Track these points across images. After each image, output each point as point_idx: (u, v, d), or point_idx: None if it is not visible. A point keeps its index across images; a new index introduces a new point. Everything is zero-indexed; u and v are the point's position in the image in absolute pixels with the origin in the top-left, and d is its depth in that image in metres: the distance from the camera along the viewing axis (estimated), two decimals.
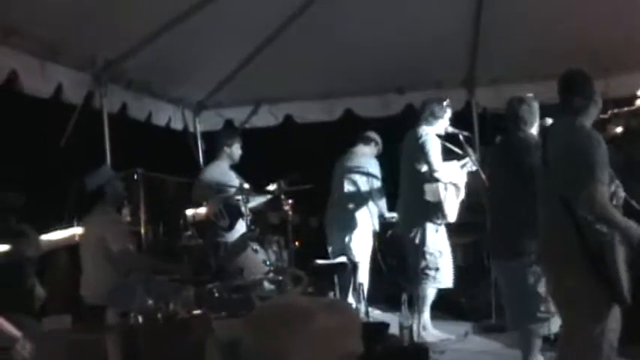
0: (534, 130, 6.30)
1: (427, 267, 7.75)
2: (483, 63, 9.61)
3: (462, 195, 7.97)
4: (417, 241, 7.82)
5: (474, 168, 7.81)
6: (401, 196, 8.19)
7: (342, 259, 8.91)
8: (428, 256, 7.76)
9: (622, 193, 5.20)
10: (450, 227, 8.14)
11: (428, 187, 7.67)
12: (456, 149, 7.97)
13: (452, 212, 7.83)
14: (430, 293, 7.85)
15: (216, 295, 6.12)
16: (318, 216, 10.24)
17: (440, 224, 7.85)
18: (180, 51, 8.11)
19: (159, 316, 4.63)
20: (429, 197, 7.67)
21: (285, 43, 8.77)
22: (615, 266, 4.79)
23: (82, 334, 4.63)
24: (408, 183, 7.92)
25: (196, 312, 4.90)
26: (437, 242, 7.83)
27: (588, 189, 4.77)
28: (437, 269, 7.78)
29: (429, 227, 7.80)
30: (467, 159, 7.94)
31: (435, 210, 7.72)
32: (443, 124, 7.89)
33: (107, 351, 4.40)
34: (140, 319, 4.62)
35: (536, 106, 6.35)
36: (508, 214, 6.21)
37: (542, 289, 5.92)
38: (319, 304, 4.41)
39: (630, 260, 4.94)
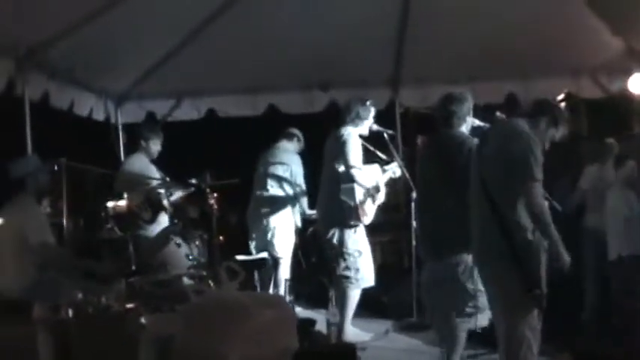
0: (465, 128, 6.31)
1: (347, 268, 7.66)
2: (408, 62, 9.69)
3: (381, 199, 7.95)
4: (335, 241, 7.72)
5: (397, 174, 7.87)
6: (320, 195, 8.14)
7: (264, 254, 8.88)
8: (347, 257, 7.66)
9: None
10: (368, 226, 8.15)
11: (344, 187, 7.64)
12: (379, 153, 8.01)
13: (368, 215, 7.75)
14: (355, 295, 7.72)
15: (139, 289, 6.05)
16: (238, 211, 10.18)
17: (356, 225, 7.81)
18: (104, 41, 7.94)
19: (90, 310, 4.55)
20: (343, 193, 7.62)
21: (211, 36, 8.70)
22: (538, 273, 4.95)
23: (9, 328, 4.52)
24: (328, 183, 7.84)
25: (129, 306, 4.83)
26: (356, 242, 7.72)
27: (527, 188, 4.88)
28: (357, 269, 7.67)
29: (347, 229, 7.73)
30: (392, 164, 7.98)
31: (349, 212, 7.64)
32: (367, 124, 7.87)
33: (38, 345, 4.31)
34: (71, 312, 4.53)
35: (467, 104, 6.33)
36: (435, 213, 6.24)
37: (470, 285, 5.96)
38: (256, 299, 4.40)
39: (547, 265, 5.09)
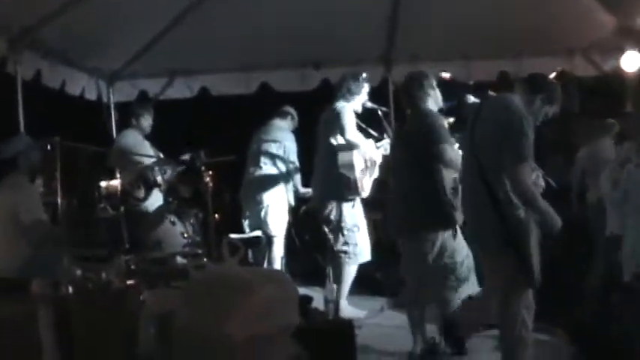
0: (432, 104, 6.39)
1: (345, 243, 7.71)
2: (402, 40, 9.66)
3: (376, 173, 7.97)
4: (332, 217, 7.76)
5: (386, 152, 7.88)
6: (315, 172, 8.14)
7: (258, 233, 8.88)
8: (346, 232, 7.72)
9: (542, 182, 5.33)
10: (362, 203, 8.18)
11: (341, 155, 7.62)
12: (371, 130, 8.01)
13: (365, 189, 7.80)
14: (352, 270, 7.80)
15: (134, 268, 6.05)
16: (231, 189, 10.18)
17: (353, 199, 7.82)
18: (96, 20, 7.91)
19: (90, 286, 4.55)
20: (341, 167, 7.60)
21: (203, 14, 8.67)
22: (528, 251, 4.96)
23: (9, 304, 4.52)
24: (323, 158, 7.85)
25: (130, 282, 4.83)
26: (354, 217, 7.79)
27: (514, 168, 4.88)
28: (355, 244, 7.75)
29: (345, 203, 7.78)
30: (384, 141, 7.98)
31: (348, 184, 7.65)
32: (360, 99, 7.86)
33: (38, 321, 4.30)
34: (71, 289, 4.53)
35: (427, 81, 6.40)
36: (406, 191, 6.32)
37: (449, 259, 6.09)
38: (258, 275, 4.38)
39: (542, 242, 5.11)
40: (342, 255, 7.71)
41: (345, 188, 7.63)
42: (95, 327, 4.36)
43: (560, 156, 9.85)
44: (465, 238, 6.05)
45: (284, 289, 4.28)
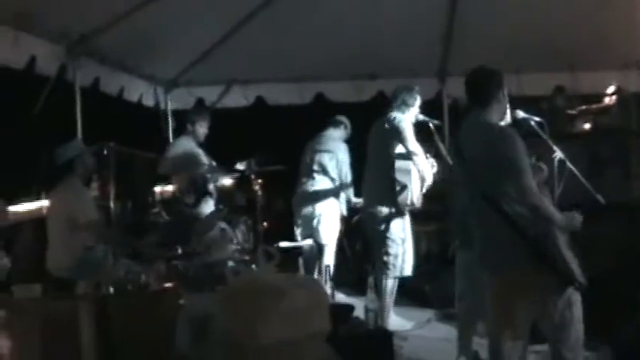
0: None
1: (387, 253, 7.70)
2: (456, 54, 9.70)
3: (428, 184, 7.96)
4: (379, 226, 7.76)
5: (434, 169, 7.89)
6: (366, 182, 8.16)
7: (309, 241, 8.95)
8: (390, 243, 7.72)
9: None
10: (414, 215, 8.17)
11: (399, 164, 7.64)
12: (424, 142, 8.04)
13: (417, 197, 7.77)
14: (390, 283, 7.74)
15: (182, 272, 6.16)
16: (284, 198, 10.26)
17: (404, 209, 7.82)
18: (154, 28, 8.10)
19: (130, 287, 4.67)
20: (399, 174, 7.63)
21: (260, 24, 8.79)
22: (560, 252, 4.71)
23: (54, 302, 4.66)
24: (376, 168, 7.86)
25: (168, 285, 4.94)
26: (400, 228, 7.76)
27: (518, 181, 4.71)
28: (396, 256, 7.72)
29: (395, 212, 7.76)
30: (431, 159, 7.96)
31: (402, 191, 7.64)
32: (414, 111, 7.88)
33: (79, 319, 4.43)
34: (111, 289, 4.66)
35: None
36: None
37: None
38: (289, 281, 4.44)
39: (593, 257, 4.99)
40: (382, 266, 7.73)
41: (400, 196, 7.63)
42: (132, 326, 4.49)
43: (616, 171, 9.74)
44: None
45: (315, 295, 4.34)
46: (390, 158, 7.70)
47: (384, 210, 7.75)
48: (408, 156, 7.61)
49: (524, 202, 4.73)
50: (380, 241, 7.75)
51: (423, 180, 7.73)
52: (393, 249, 7.70)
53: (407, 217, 7.86)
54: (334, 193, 9.09)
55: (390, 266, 7.70)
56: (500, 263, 4.95)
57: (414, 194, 7.64)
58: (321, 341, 4.37)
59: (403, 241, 7.76)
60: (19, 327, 4.29)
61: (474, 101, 5.20)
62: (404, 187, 7.63)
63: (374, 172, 7.94)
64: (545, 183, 5.66)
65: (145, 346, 4.49)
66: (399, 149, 7.67)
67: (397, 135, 7.63)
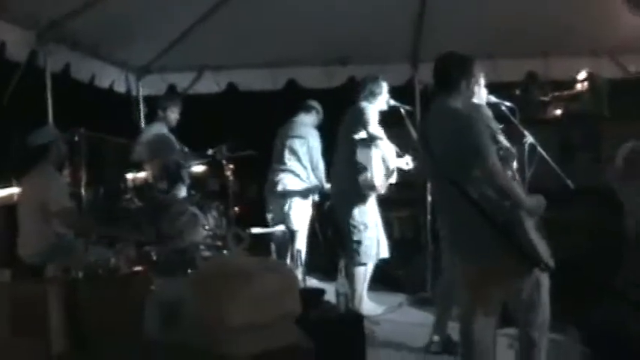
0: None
1: (351, 240, 7.76)
2: (428, 40, 9.66)
3: (393, 179, 7.98)
4: (343, 213, 7.85)
5: (409, 167, 7.93)
6: (332, 168, 8.28)
7: (281, 227, 8.97)
8: (352, 229, 7.74)
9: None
10: (387, 201, 8.23)
11: (360, 150, 7.67)
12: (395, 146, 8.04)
13: (380, 181, 7.76)
14: (359, 269, 7.78)
15: (154, 257, 6.16)
16: (257, 184, 10.27)
17: (366, 193, 7.79)
18: (126, 14, 8.02)
19: (100, 271, 4.67)
20: (359, 160, 7.65)
21: (232, 10, 8.74)
22: (526, 235, 4.77)
23: (23, 286, 4.65)
24: (342, 153, 7.93)
25: (138, 269, 4.94)
26: (363, 215, 7.79)
27: (484, 164, 4.75)
28: (359, 242, 7.75)
29: (357, 199, 7.80)
30: (406, 156, 7.98)
31: (359, 173, 7.67)
32: (383, 99, 7.91)
33: (48, 303, 4.43)
34: (80, 274, 4.65)
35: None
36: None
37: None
38: (260, 265, 4.47)
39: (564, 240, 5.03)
40: (350, 252, 7.77)
41: (360, 182, 7.66)
42: (102, 310, 4.50)
43: (587, 157, 9.83)
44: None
45: (284, 279, 4.37)
46: (352, 143, 7.75)
47: (347, 197, 7.82)
48: (369, 140, 7.65)
49: (492, 184, 4.77)
50: (345, 229, 7.81)
51: (386, 165, 7.75)
52: (355, 235, 7.74)
53: (371, 203, 7.89)
54: (305, 178, 9.10)
55: (354, 253, 7.74)
56: (471, 251, 5.01)
57: (374, 177, 7.64)
58: (291, 324, 4.40)
59: (366, 227, 7.77)
60: None
61: (439, 86, 5.24)
62: (364, 169, 7.65)
63: (339, 159, 7.98)
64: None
65: (114, 330, 4.50)
66: (362, 135, 7.71)
67: (359, 119, 7.69)
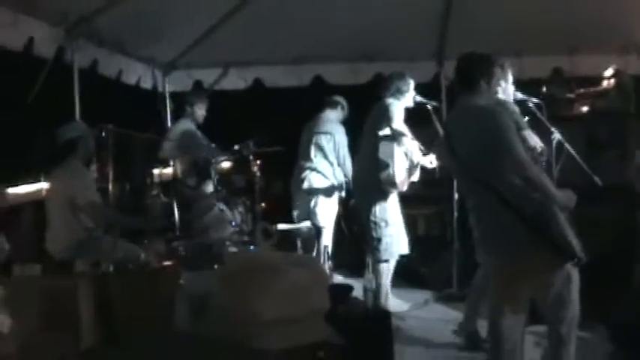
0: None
1: (372, 237, 7.71)
2: (454, 36, 9.62)
3: (416, 177, 7.96)
4: (365, 209, 7.80)
5: (433, 165, 7.90)
6: (356, 164, 8.29)
7: (307, 223, 8.97)
8: (374, 226, 7.70)
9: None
10: (413, 198, 8.22)
11: (383, 145, 7.65)
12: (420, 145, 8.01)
13: (401, 178, 7.70)
14: (383, 266, 7.73)
15: (182, 252, 6.19)
16: (283, 180, 10.28)
17: (387, 189, 7.73)
18: (153, 11, 8.05)
19: (129, 266, 4.69)
20: (382, 156, 7.63)
21: (258, 6, 8.76)
22: (558, 227, 4.71)
23: (54, 280, 4.68)
24: (365, 150, 7.89)
25: (167, 264, 4.96)
26: (384, 211, 7.74)
27: (511, 156, 4.72)
28: (379, 240, 7.70)
29: (378, 196, 7.75)
30: (430, 155, 7.95)
31: (381, 170, 7.60)
32: (409, 96, 7.89)
33: (78, 297, 4.45)
34: (111, 268, 4.68)
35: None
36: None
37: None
38: (288, 260, 4.48)
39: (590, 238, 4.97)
40: (373, 250, 7.74)
41: (382, 179, 7.61)
42: (131, 304, 4.52)
43: (613, 154, 9.76)
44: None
45: (313, 274, 4.37)
46: (376, 139, 7.72)
47: (369, 194, 7.80)
48: (392, 136, 7.63)
49: (521, 176, 4.75)
50: (367, 226, 7.78)
51: (410, 162, 7.73)
52: (376, 232, 7.70)
53: (393, 200, 7.85)
54: (332, 175, 9.09)
55: (375, 250, 7.71)
56: (503, 248, 4.96)
57: (396, 173, 7.61)
58: (321, 319, 4.41)
59: (387, 224, 7.72)
60: (18, 304, 4.30)
61: (461, 86, 5.23)
62: (386, 166, 7.61)
63: (362, 155, 7.97)
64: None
65: (144, 324, 4.52)
66: (386, 131, 7.68)
67: (384, 115, 7.65)
